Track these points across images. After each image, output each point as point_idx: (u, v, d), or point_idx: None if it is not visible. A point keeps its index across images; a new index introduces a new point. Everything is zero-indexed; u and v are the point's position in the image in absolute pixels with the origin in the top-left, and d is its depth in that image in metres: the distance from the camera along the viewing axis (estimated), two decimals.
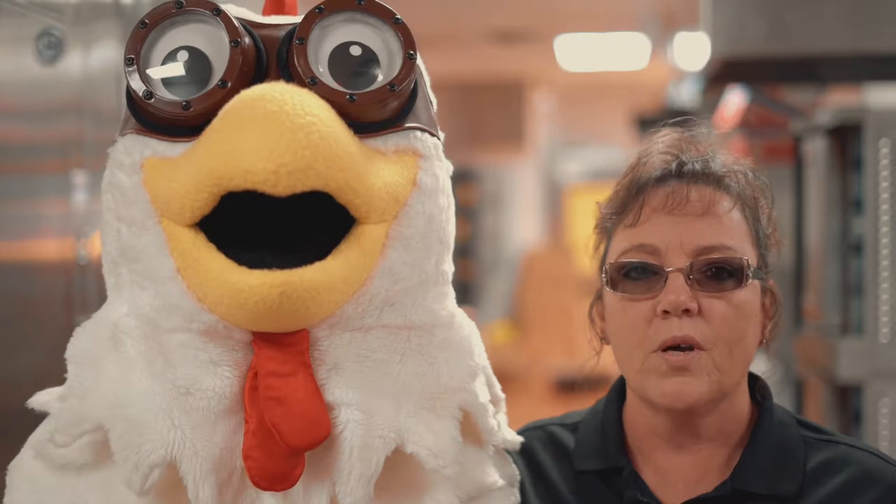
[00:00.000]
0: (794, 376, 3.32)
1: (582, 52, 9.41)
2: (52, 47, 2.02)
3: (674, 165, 1.45)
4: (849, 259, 2.80)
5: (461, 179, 11.24)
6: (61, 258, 2.09)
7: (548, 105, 12.39)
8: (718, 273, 1.40)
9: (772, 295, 1.48)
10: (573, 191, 12.55)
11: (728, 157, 1.48)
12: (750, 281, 1.42)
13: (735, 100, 4.59)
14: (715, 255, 1.40)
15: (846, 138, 2.79)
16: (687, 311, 1.38)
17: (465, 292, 10.77)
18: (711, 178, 1.44)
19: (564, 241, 12.09)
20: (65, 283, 2.09)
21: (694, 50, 6.01)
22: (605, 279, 1.46)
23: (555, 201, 12.89)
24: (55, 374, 1.36)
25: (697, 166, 1.45)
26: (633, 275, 1.42)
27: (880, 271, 2.65)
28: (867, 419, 2.66)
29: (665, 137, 1.49)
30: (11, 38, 1.95)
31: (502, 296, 11.66)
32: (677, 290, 1.39)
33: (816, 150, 2.99)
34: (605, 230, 1.50)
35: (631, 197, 1.45)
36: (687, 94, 6.64)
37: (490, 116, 11.20)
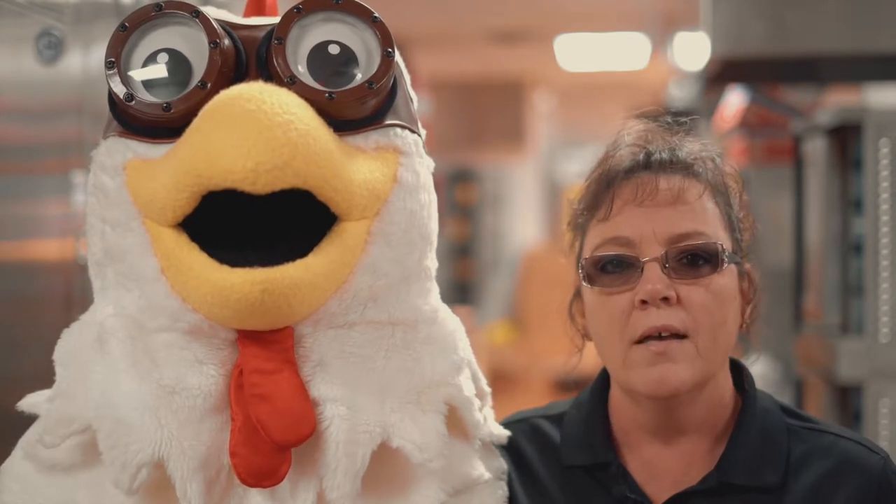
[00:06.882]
0: (794, 376, 3.32)
1: (582, 52, 9.40)
2: (52, 47, 2.02)
3: (641, 156, 1.45)
4: (849, 259, 2.79)
5: (461, 179, 11.24)
6: (61, 258, 2.09)
7: (548, 105, 12.39)
8: (694, 260, 1.40)
9: (749, 278, 1.47)
10: (573, 191, 12.54)
11: (695, 144, 1.48)
12: (726, 265, 1.41)
13: (735, 100, 4.58)
14: (689, 242, 1.40)
15: (846, 138, 2.79)
16: (665, 300, 1.38)
17: (465, 292, 10.76)
18: (680, 167, 1.45)
19: (564, 241, 12.07)
20: (64, 283, 2.08)
21: (694, 50, 6.00)
22: (582, 275, 1.46)
23: (555, 201, 12.88)
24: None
25: (665, 155, 1.45)
26: (609, 268, 1.42)
27: (880, 271, 2.64)
28: (867, 419, 2.66)
29: (632, 129, 1.50)
30: (11, 38, 1.94)
31: (502, 296, 11.65)
32: (654, 279, 1.38)
33: (816, 150, 2.99)
34: (579, 226, 1.50)
35: (601, 190, 1.46)
36: (687, 95, 6.63)
37: (490, 116, 11.19)
